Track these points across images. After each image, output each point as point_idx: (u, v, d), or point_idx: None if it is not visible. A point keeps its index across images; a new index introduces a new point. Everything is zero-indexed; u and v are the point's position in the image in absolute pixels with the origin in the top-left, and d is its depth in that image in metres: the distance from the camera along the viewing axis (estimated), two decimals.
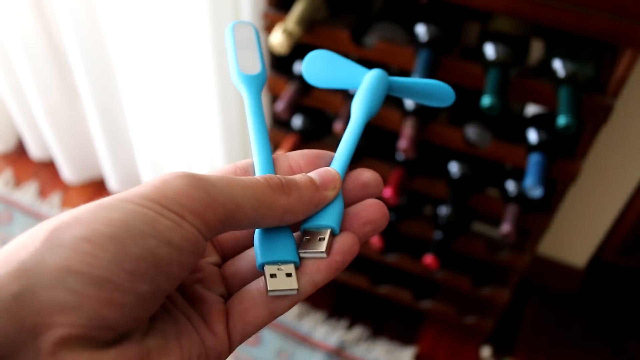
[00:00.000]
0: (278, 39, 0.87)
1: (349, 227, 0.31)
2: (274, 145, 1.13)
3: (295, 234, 0.31)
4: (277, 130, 1.09)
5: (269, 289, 0.28)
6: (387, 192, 1.00)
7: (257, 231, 0.30)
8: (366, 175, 0.32)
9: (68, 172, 1.59)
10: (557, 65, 0.82)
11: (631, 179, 1.19)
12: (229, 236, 0.32)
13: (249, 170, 0.32)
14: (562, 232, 1.35)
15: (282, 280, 0.29)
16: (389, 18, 0.96)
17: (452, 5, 0.86)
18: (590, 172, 1.18)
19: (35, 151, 1.65)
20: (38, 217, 1.54)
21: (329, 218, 0.30)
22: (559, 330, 1.43)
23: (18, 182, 1.64)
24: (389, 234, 1.14)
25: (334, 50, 0.38)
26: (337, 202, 0.31)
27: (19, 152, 1.70)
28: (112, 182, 1.56)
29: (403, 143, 0.92)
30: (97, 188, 1.63)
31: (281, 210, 0.28)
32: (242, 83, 0.34)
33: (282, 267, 0.29)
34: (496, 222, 1.07)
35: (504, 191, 1.01)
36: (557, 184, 0.98)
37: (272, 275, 0.29)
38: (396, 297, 1.33)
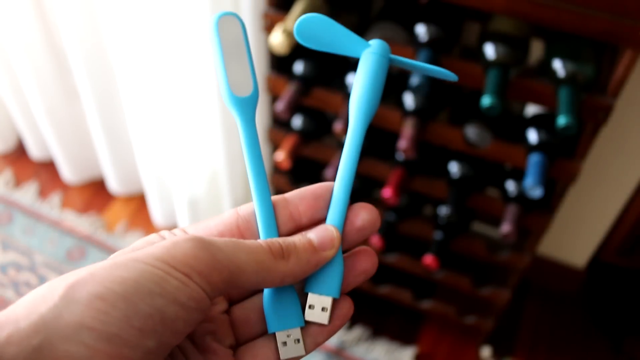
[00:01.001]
0: (278, 39, 0.87)
1: (345, 280, 0.33)
2: (274, 145, 1.13)
3: (297, 286, 0.34)
4: (277, 130, 1.09)
5: (281, 357, 0.32)
6: (387, 192, 1.00)
7: (265, 295, 0.33)
8: (362, 217, 0.33)
9: (68, 172, 1.59)
10: (557, 65, 0.82)
11: (631, 179, 1.19)
12: None
13: (251, 221, 0.33)
14: (562, 232, 1.35)
15: (292, 347, 0.32)
16: (389, 18, 0.96)
17: (452, 5, 0.86)
18: (590, 172, 1.18)
19: (35, 151, 1.65)
20: (38, 217, 1.55)
21: (331, 286, 0.33)
22: (559, 330, 1.43)
23: (18, 182, 1.64)
24: (389, 234, 1.14)
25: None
26: (337, 264, 0.33)
27: (19, 152, 1.70)
28: (112, 182, 1.56)
29: (403, 143, 0.92)
30: (97, 188, 1.63)
31: (281, 275, 0.30)
32: (234, 108, 0.33)
33: (291, 332, 0.33)
34: (496, 222, 1.07)
35: (504, 191, 1.01)
36: (557, 184, 0.98)
37: (284, 343, 0.32)
38: (396, 297, 1.33)
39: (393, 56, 0.35)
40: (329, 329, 0.33)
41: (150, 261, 0.27)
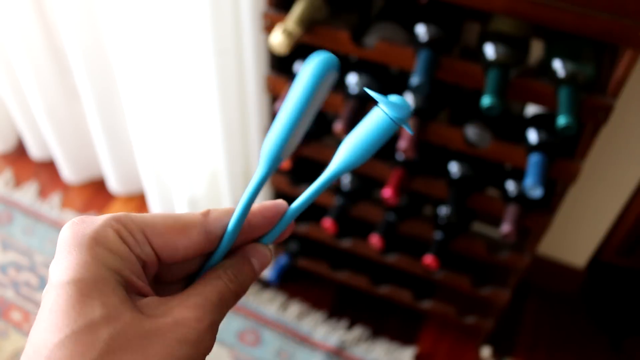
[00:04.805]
0: (278, 39, 0.87)
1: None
2: None
3: None
4: None
5: None
6: (387, 192, 1.00)
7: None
8: (278, 242, 0.35)
9: (68, 172, 1.59)
10: (557, 65, 0.82)
11: (631, 179, 1.19)
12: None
13: (216, 239, 0.33)
14: (562, 232, 1.35)
15: None
16: (389, 18, 0.96)
17: (452, 5, 0.86)
18: (590, 172, 1.18)
19: (35, 151, 1.65)
20: (38, 217, 1.54)
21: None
22: (559, 330, 1.43)
23: (18, 182, 1.64)
24: (389, 234, 1.14)
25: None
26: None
27: (19, 152, 1.70)
28: (112, 182, 1.56)
29: (403, 143, 0.92)
30: (97, 188, 1.63)
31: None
32: (268, 164, 0.31)
33: None
34: (496, 222, 1.07)
35: (504, 191, 1.01)
36: (557, 184, 0.98)
37: None
38: (396, 297, 1.33)
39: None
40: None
41: None
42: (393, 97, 0.31)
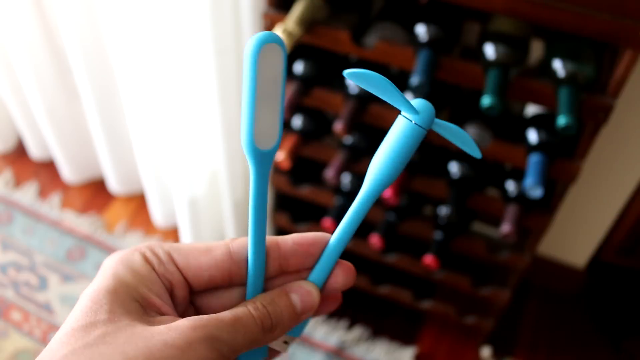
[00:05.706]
0: None
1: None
2: None
3: None
4: None
5: None
6: (387, 192, 1.00)
7: None
8: (339, 281, 0.34)
9: (68, 172, 1.59)
10: (557, 65, 0.82)
11: (631, 179, 1.19)
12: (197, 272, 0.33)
13: (242, 268, 0.33)
14: (562, 232, 1.35)
15: None
16: (389, 18, 0.96)
17: (452, 5, 0.86)
18: (590, 172, 1.18)
19: (35, 151, 1.65)
20: (38, 217, 1.55)
21: (297, 328, 0.34)
22: (559, 330, 1.43)
23: (18, 182, 1.64)
24: (389, 234, 1.14)
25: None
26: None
27: (19, 152, 1.70)
28: (112, 182, 1.56)
29: None
30: (97, 188, 1.63)
31: (265, 343, 0.32)
32: (252, 160, 0.29)
33: None
34: (496, 222, 1.07)
35: (504, 191, 1.01)
36: (557, 184, 0.98)
37: None
38: (396, 297, 1.33)
39: (434, 126, 0.30)
40: (283, 356, 0.36)
41: None
42: (415, 101, 0.29)
